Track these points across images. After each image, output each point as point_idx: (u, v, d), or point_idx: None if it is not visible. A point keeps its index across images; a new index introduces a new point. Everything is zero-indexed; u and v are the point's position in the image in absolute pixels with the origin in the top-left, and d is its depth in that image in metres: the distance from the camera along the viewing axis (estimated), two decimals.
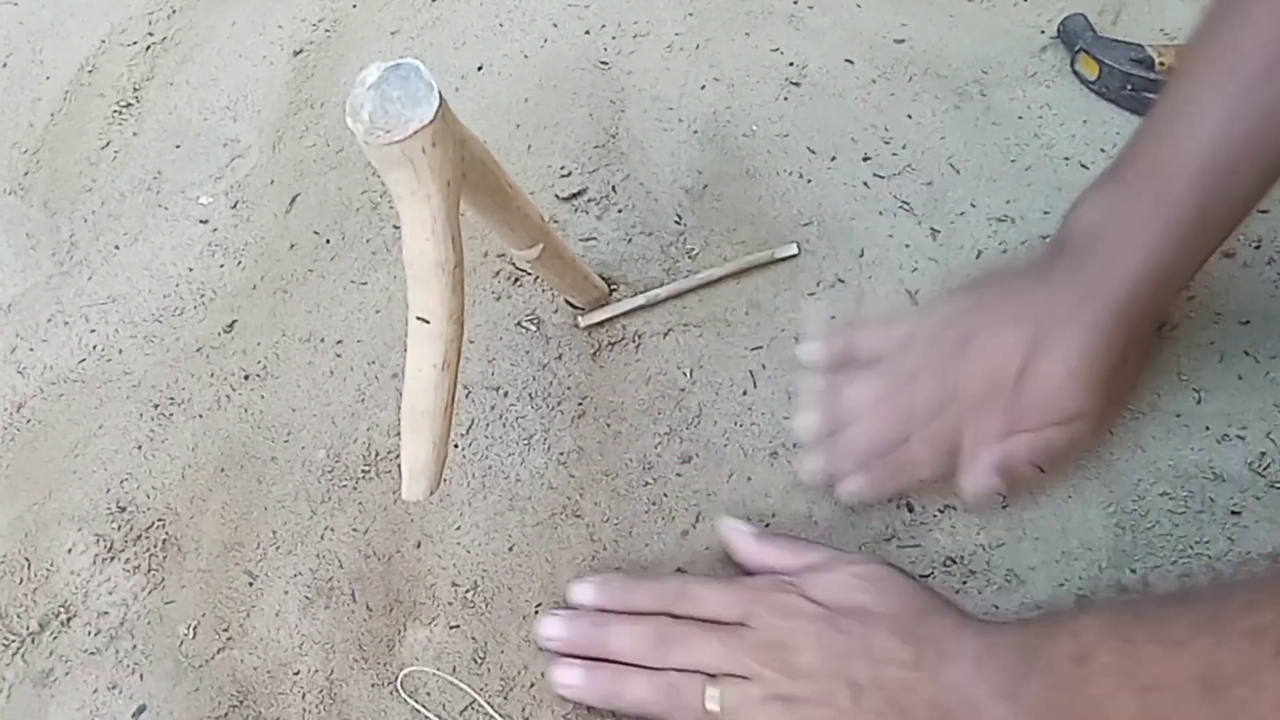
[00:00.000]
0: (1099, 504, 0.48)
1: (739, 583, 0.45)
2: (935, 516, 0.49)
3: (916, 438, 0.47)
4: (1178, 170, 0.43)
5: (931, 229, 0.59)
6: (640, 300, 0.57)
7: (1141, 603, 0.40)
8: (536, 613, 0.48)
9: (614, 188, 0.63)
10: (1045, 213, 0.58)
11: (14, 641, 0.51)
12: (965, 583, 0.47)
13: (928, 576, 0.47)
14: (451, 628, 0.48)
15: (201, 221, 0.67)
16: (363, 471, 0.54)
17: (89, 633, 0.51)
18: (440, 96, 0.35)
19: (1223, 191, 0.42)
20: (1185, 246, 0.43)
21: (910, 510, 0.49)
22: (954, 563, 0.47)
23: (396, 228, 0.63)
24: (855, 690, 0.39)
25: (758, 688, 0.40)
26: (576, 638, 0.45)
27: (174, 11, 0.81)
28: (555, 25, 0.74)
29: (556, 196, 0.63)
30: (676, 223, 0.61)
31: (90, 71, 0.78)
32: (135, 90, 0.76)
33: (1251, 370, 0.51)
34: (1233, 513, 0.47)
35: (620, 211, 0.62)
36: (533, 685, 0.46)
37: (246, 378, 0.59)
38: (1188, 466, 0.48)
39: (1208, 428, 0.49)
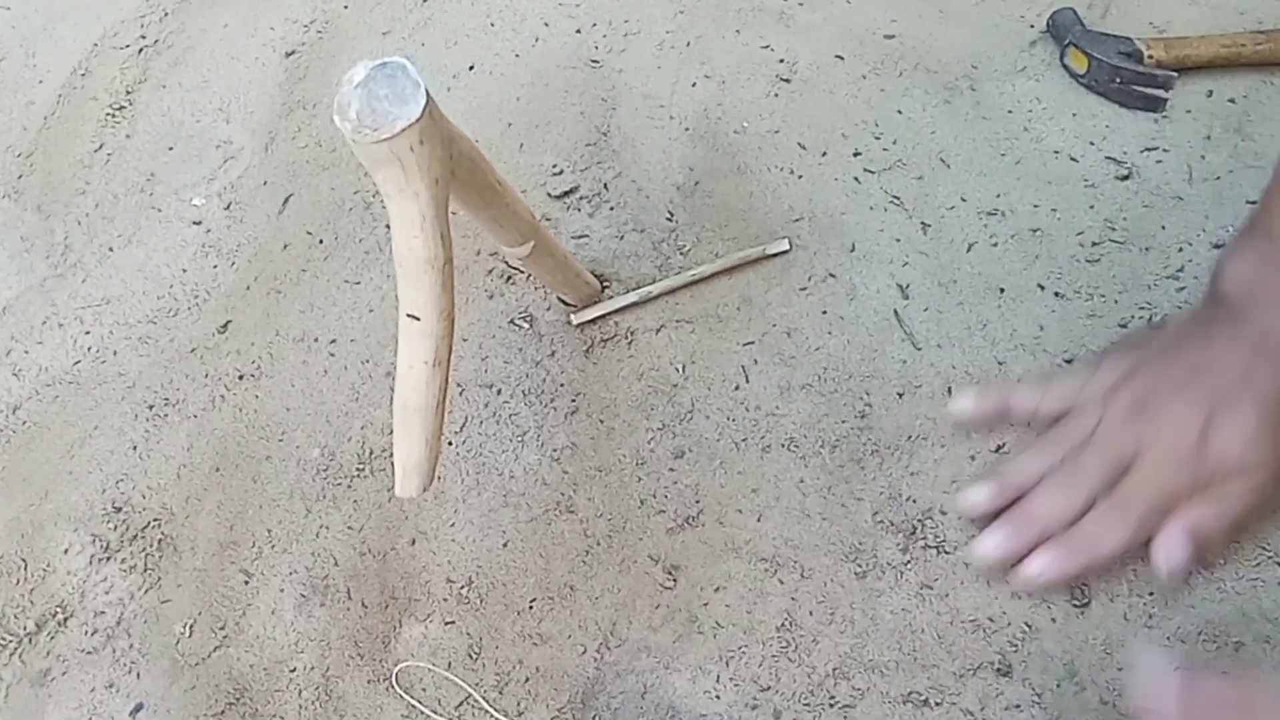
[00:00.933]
0: None
1: None
2: (929, 508, 0.49)
3: (1098, 509, 0.45)
4: None
5: (922, 223, 0.59)
6: (632, 297, 0.57)
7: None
8: (531, 608, 0.49)
9: (606, 185, 0.64)
10: (1035, 206, 0.58)
11: (11, 642, 0.51)
12: (968, 566, 0.47)
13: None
14: (446, 623, 0.49)
15: (195, 223, 0.67)
16: (357, 470, 0.54)
17: (86, 632, 0.51)
18: (427, 94, 0.35)
19: None
20: None
21: (911, 503, 0.49)
22: (948, 552, 0.48)
23: (389, 227, 0.63)
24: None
25: None
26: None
27: (166, 14, 0.81)
28: (546, 24, 0.74)
29: (549, 194, 0.64)
30: (668, 219, 0.61)
31: (83, 75, 0.78)
32: (128, 93, 0.76)
33: None
34: None
35: (612, 209, 0.62)
36: (527, 680, 0.47)
37: (241, 378, 0.59)
38: None
39: None
